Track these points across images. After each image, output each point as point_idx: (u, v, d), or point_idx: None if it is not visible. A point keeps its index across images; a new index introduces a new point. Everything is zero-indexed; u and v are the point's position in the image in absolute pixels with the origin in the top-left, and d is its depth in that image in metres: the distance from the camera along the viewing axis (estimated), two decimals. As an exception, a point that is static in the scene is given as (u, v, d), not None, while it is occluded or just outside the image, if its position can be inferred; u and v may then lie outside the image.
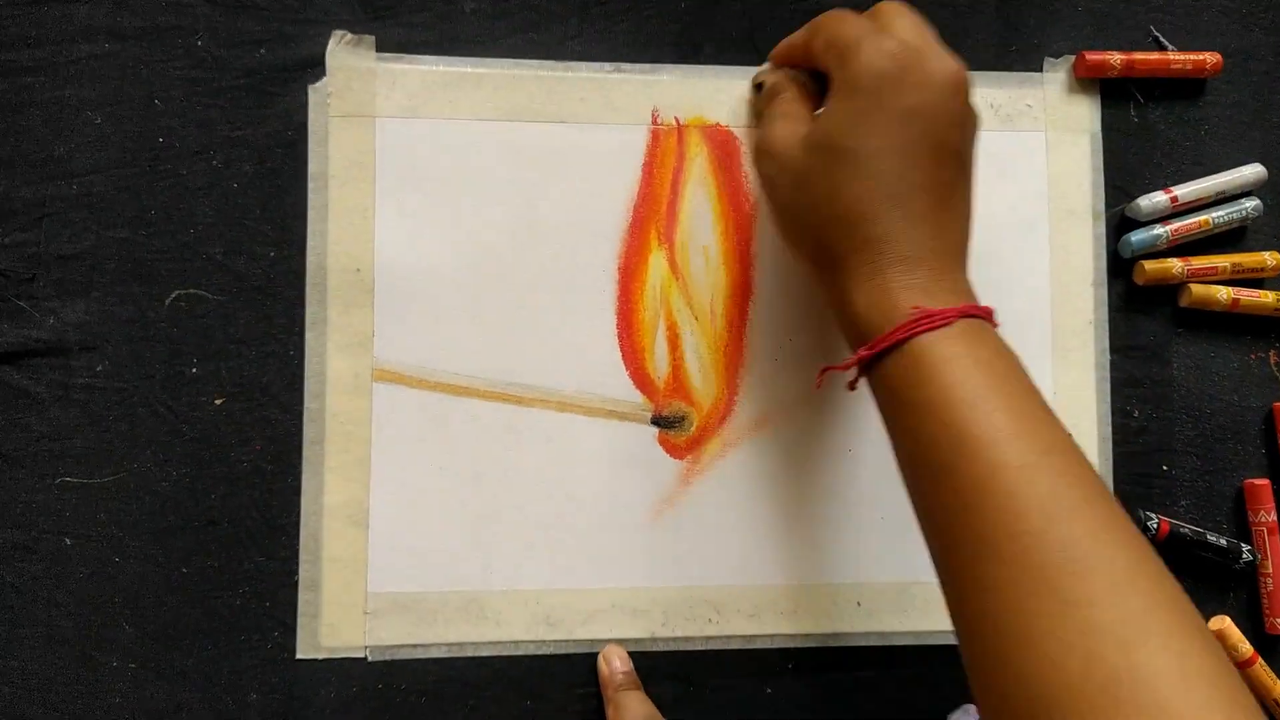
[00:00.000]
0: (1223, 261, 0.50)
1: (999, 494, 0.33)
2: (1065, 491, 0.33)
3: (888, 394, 0.38)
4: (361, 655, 0.46)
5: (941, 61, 0.39)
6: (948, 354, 0.36)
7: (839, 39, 0.40)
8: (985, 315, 0.38)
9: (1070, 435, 0.36)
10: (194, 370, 0.46)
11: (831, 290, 0.40)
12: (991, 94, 0.50)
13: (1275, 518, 0.49)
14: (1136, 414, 0.50)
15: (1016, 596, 0.32)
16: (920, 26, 0.40)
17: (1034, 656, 0.31)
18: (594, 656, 0.47)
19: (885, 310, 0.37)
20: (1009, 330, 0.49)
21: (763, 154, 0.42)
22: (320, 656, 0.46)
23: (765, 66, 0.47)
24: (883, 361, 0.37)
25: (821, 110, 0.41)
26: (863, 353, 0.38)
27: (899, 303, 0.37)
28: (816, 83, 0.44)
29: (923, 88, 0.38)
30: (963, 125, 0.39)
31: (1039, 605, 0.31)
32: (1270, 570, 0.49)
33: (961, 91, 0.39)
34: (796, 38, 0.44)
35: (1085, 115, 0.51)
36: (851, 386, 0.39)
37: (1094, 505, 0.33)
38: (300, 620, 0.46)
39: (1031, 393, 0.36)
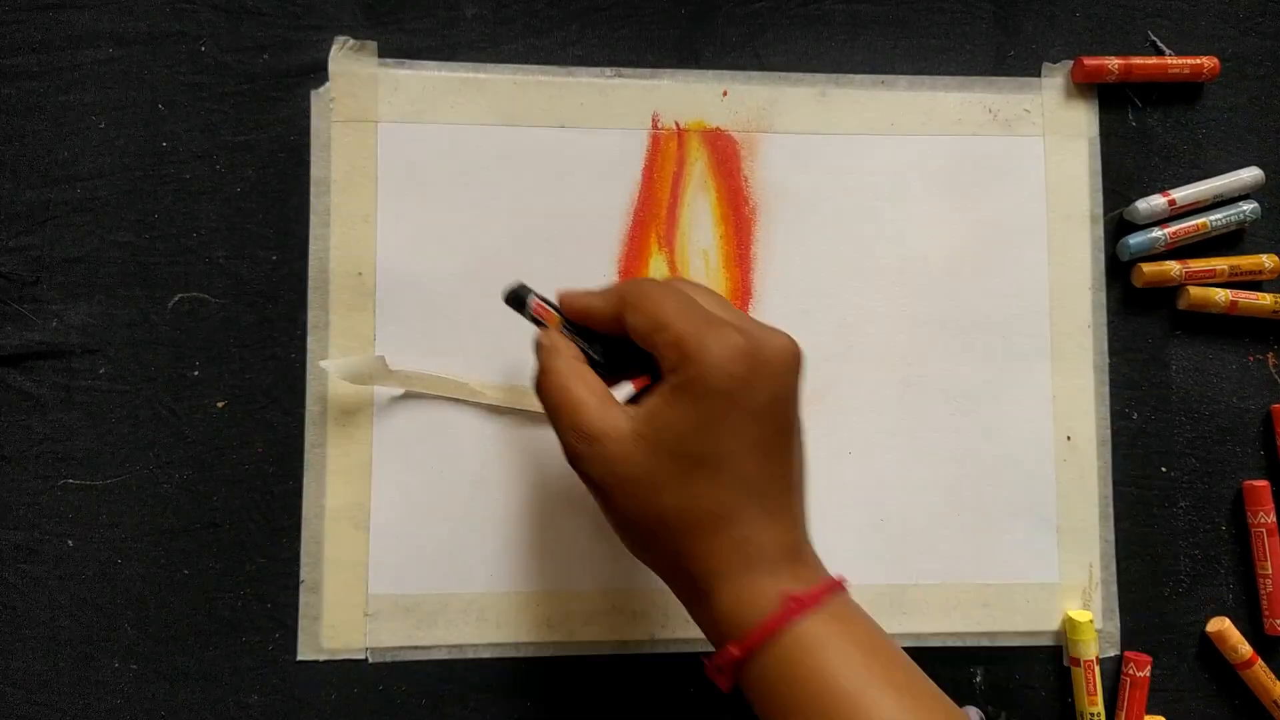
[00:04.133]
0: (1221, 264, 0.50)
1: None
2: None
3: (767, 692, 0.35)
4: (362, 657, 0.46)
5: (774, 342, 0.36)
6: (824, 639, 0.34)
7: (676, 331, 0.35)
8: (836, 588, 0.36)
9: (930, 684, 0.35)
10: (196, 373, 0.46)
11: (690, 592, 0.37)
12: (990, 99, 0.50)
13: (1274, 519, 0.49)
14: (1135, 416, 0.50)
15: None
16: (733, 307, 0.38)
17: None
18: (595, 658, 0.47)
19: (754, 605, 0.35)
20: (1008, 334, 0.49)
21: (591, 449, 0.36)
22: (321, 658, 0.46)
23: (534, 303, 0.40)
24: (758, 659, 0.35)
25: (651, 402, 0.36)
26: (735, 652, 0.35)
27: (768, 594, 0.35)
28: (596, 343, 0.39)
29: (772, 380, 0.35)
30: (798, 396, 0.37)
31: None
32: (1270, 571, 0.49)
33: (797, 366, 0.37)
34: (598, 303, 0.38)
35: (1083, 120, 0.51)
36: (726, 689, 0.36)
37: None
38: (301, 622, 0.46)
39: (901, 659, 0.36)
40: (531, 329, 0.39)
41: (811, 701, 0.34)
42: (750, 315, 0.39)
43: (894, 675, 0.34)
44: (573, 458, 0.37)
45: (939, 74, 0.50)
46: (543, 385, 0.38)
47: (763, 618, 0.34)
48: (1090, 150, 0.51)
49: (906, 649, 0.48)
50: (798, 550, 0.36)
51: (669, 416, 0.35)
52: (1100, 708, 0.48)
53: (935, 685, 0.36)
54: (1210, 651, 0.50)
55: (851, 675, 0.34)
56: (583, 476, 0.37)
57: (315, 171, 0.47)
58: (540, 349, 0.39)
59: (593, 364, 0.38)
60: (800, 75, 0.50)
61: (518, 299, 0.40)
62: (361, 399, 0.47)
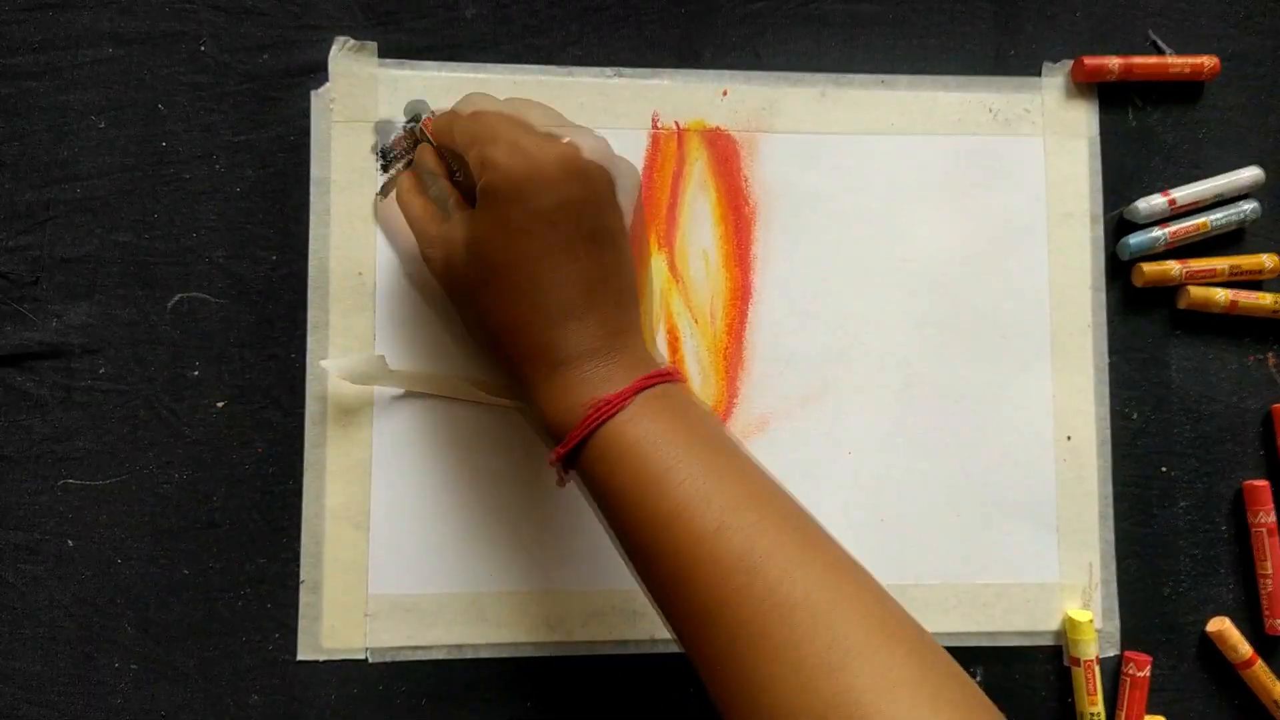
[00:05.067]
0: (1221, 264, 0.50)
1: (702, 562, 0.34)
2: (761, 540, 0.34)
3: (589, 486, 0.38)
4: (362, 657, 0.46)
5: (545, 152, 0.38)
6: (630, 437, 0.36)
7: (476, 136, 0.39)
8: (666, 377, 0.39)
9: (762, 475, 0.37)
10: (196, 373, 0.46)
11: (519, 390, 0.41)
12: (990, 99, 0.50)
13: (1274, 519, 0.49)
14: (1135, 416, 0.50)
15: (739, 656, 0.33)
16: (552, 115, 0.41)
17: (764, 705, 0.32)
18: (595, 658, 0.47)
19: (564, 410, 0.38)
20: (1008, 334, 0.49)
21: (432, 252, 0.42)
22: (321, 658, 0.46)
23: (401, 130, 0.47)
24: (578, 460, 0.38)
25: (471, 212, 0.40)
26: (557, 452, 0.38)
27: (575, 400, 0.38)
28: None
29: (536, 191, 0.37)
30: (588, 202, 0.39)
31: (756, 656, 0.33)
32: (1270, 571, 0.49)
33: (573, 173, 0.38)
34: (443, 122, 0.43)
35: (1083, 119, 0.51)
36: (560, 483, 0.40)
37: (789, 545, 0.34)
38: (301, 622, 0.46)
39: (718, 448, 0.37)
40: None
41: (619, 495, 0.36)
42: (581, 129, 0.40)
43: (699, 465, 0.36)
44: (423, 260, 0.43)
45: (939, 74, 0.50)
46: (399, 199, 0.44)
47: (574, 422, 0.37)
48: (1090, 150, 0.51)
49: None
50: (609, 349, 0.39)
51: (476, 224, 0.39)
52: (1100, 708, 0.48)
53: (749, 463, 0.37)
54: (1210, 651, 0.50)
55: (651, 470, 0.36)
56: (435, 279, 0.43)
57: (315, 171, 0.47)
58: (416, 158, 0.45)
59: (456, 181, 0.43)
60: (800, 75, 0.50)
61: (415, 115, 0.47)
62: (361, 399, 0.47)
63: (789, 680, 0.32)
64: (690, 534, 0.34)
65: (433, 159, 0.44)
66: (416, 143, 0.46)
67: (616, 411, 0.37)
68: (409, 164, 0.47)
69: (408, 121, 0.47)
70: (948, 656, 0.34)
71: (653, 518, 0.35)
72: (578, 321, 0.38)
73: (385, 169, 0.47)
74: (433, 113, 0.46)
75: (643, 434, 0.36)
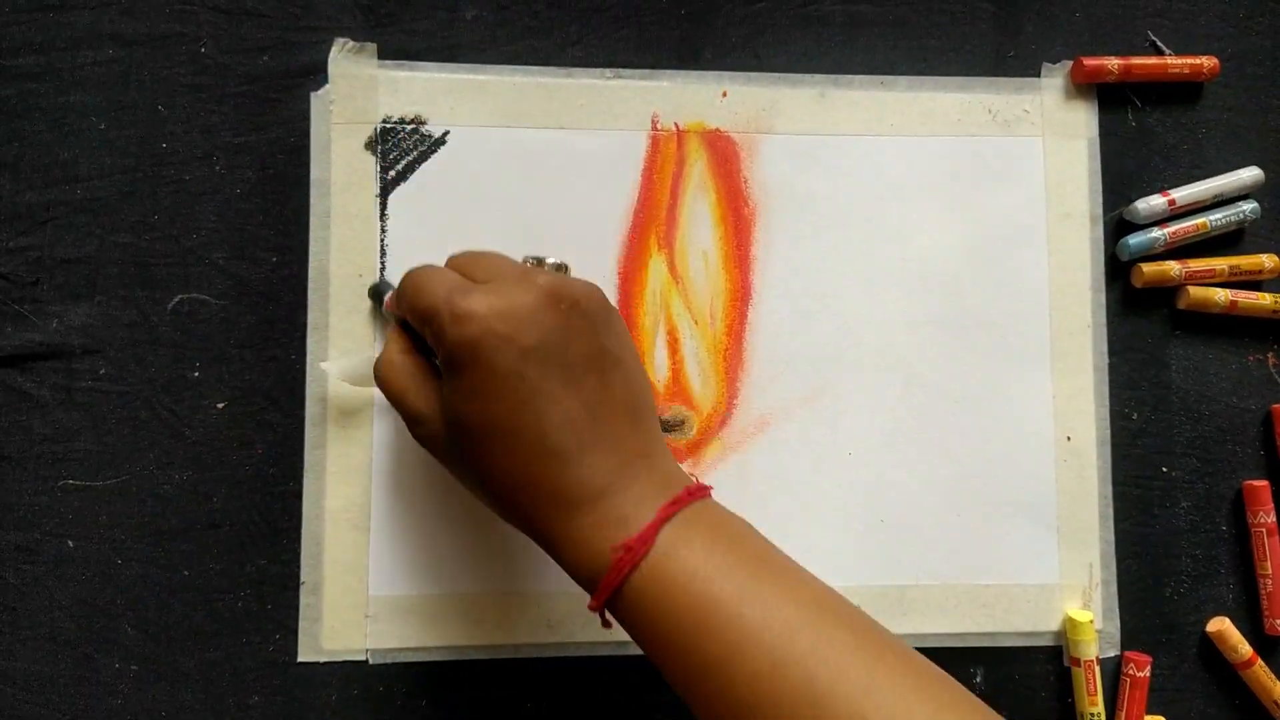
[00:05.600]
0: (1220, 264, 0.50)
1: (763, 704, 0.32)
2: (821, 669, 0.32)
3: (632, 634, 0.36)
4: (362, 658, 0.46)
5: (523, 289, 0.36)
6: (664, 579, 0.34)
7: (421, 314, 0.37)
8: (687, 500, 0.36)
9: (810, 584, 0.35)
10: (196, 374, 0.46)
11: (539, 542, 0.37)
12: (989, 99, 0.50)
13: (1274, 519, 0.49)
14: (1135, 416, 0.50)
15: None
16: (499, 264, 0.39)
17: None
18: (595, 659, 0.47)
19: (590, 558, 0.35)
20: (1007, 334, 0.49)
21: (419, 430, 0.39)
22: (321, 659, 0.46)
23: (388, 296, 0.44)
24: (615, 606, 0.35)
25: (443, 384, 0.38)
26: (592, 605, 0.35)
27: (598, 546, 0.35)
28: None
29: (518, 331, 0.35)
30: (580, 329, 0.36)
31: None
32: (1270, 571, 0.49)
33: (558, 301, 0.36)
34: (395, 302, 0.41)
35: (1083, 120, 0.51)
36: (606, 626, 0.37)
37: (854, 665, 0.32)
38: (301, 623, 0.46)
39: (759, 569, 0.35)
40: None
41: (663, 642, 0.34)
42: (515, 273, 0.38)
43: (743, 594, 0.34)
44: (413, 438, 0.40)
45: (939, 74, 0.50)
46: (377, 372, 0.40)
47: (600, 575, 0.35)
48: (1090, 150, 0.51)
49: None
50: (621, 481, 0.36)
51: (448, 396, 0.37)
52: (1100, 708, 0.48)
53: (792, 572, 0.36)
54: (1210, 651, 0.50)
55: (695, 616, 0.33)
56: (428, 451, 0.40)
57: (315, 173, 0.47)
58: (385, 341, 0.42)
59: (426, 351, 0.41)
60: (800, 76, 0.50)
61: (377, 294, 0.46)
62: (361, 400, 0.47)
63: None
64: (745, 675, 0.32)
65: (399, 337, 0.41)
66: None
67: (646, 551, 0.34)
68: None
69: (373, 303, 0.46)
70: None
71: (703, 663, 0.33)
72: (587, 457, 0.35)
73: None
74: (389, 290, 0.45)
75: (678, 572, 0.34)
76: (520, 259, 0.41)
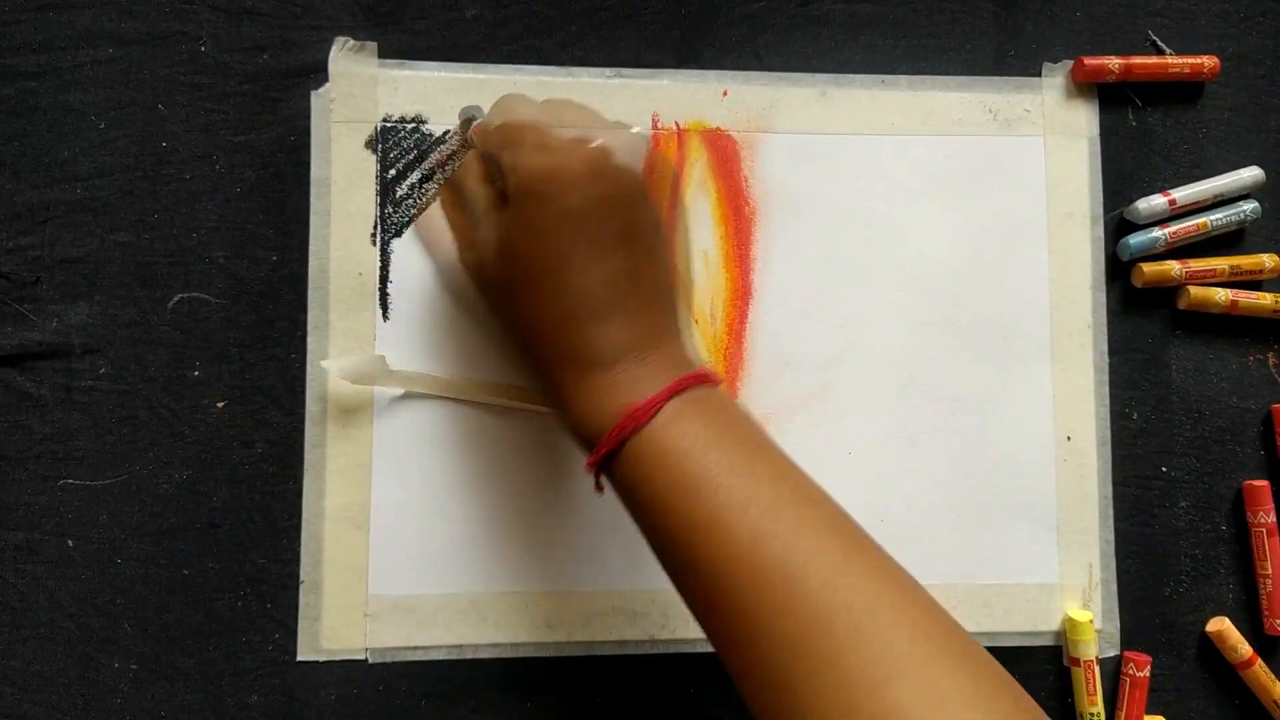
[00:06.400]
0: (1221, 264, 0.50)
1: (739, 572, 0.33)
2: (799, 548, 0.33)
3: (624, 495, 0.37)
4: (362, 657, 0.46)
5: (574, 154, 0.38)
6: (663, 445, 0.35)
7: (506, 140, 0.39)
8: (698, 381, 0.37)
9: (801, 478, 0.36)
10: (196, 373, 0.46)
11: (549, 396, 0.40)
12: (990, 99, 0.50)
13: (1274, 519, 0.49)
14: (1135, 416, 0.50)
15: (778, 670, 0.32)
16: (586, 116, 0.41)
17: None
18: (594, 658, 0.47)
19: (596, 416, 0.37)
20: (1008, 334, 0.49)
21: (468, 255, 0.42)
22: (321, 659, 0.46)
23: (450, 138, 0.47)
24: (611, 466, 0.37)
25: (503, 215, 0.40)
26: (589, 461, 0.37)
27: (606, 406, 0.37)
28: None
29: (561, 192, 0.37)
30: (617, 205, 0.38)
31: (796, 673, 0.31)
32: (1269, 571, 0.49)
33: (602, 175, 0.38)
34: (481, 126, 0.43)
35: (1083, 120, 0.51)
36: (598, 489, 0.38)
37: (829, 553, 0.33)
38: (301, 622, 0.46)
39: (754, 451, 0.36)
40: None
41: (653, 504, 0.35)
42: (617, 128, 0.40)
43: (734, 470, 0.35)
44: (461, 263, 0.42)
45: (939, 74, 0.50)
46: (449, 185, 0.43)
47: (604, 430, 0.36)
48: (1090, 150, 0.51)
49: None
50: (639, 352, 0.38)
51: (508, 228, 0.39)
52: (1100, 708, 0.48)
53: (786, 466, 0.36)
54: (1210, 651, 0.50)
55: (686, 479, 0.35)
56: (471, 281, 0.42)
57: (315, 172, 0.47)
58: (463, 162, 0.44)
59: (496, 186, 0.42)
60: (800, 75, 0.50)
61: (469, 119, 0.47)
62: (361, 399, 0.47)
63: (832, 696, 0.30)
64: (726, 543, 0.33)
65: (476, 163, 0.43)
66: (455, 152, 0.47)
67: (649, 419, 0.36)
68: (445, 177, 0.47)
69: (460, 126, 0.47)
70: (998, 666, 0.32)
71: (687, 527, 0.34)
72: (607, 323, 0.38)
73: (424, 181, 0.47)
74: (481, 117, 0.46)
75: (676, 441, 0.35)
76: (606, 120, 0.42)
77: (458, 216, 0.43)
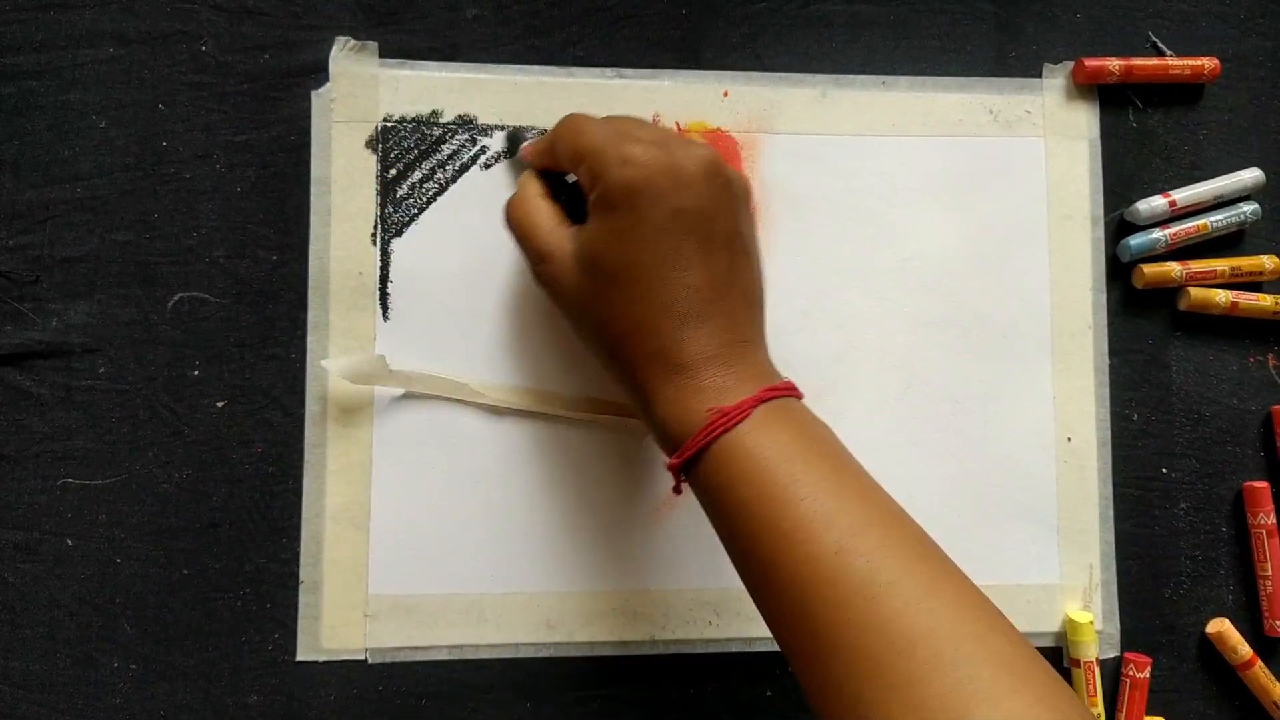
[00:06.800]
0: (1221, 265, 0.50)
1: (820, 585, 0.33)
2: (884, 567, 0.32)
3: (705, 497, 0.37)
4: (362, 658, 0.46)
5: (688, 153, 0.38)
6: (749, 450, 0.35)
7: (582, 152, 0.39)
8: (784, 391, 0.37)
9: (886, 498, 0.36)
10: (196, 373, 0.46)
11: (632, 398, 0.40)
12: (990, 100, 0.50)
13: (1274, 520, 0.49)
14: (1135, 417, 0.50)
15: (854, 688, 0.31)
16: (657, 127, 0.41)
17: None
18: (594, 659, 0.47)
19: (682, 417, 0.37)
20: (1008, 335, 0.49)
21: (542, 268, 0.41)
22: (321, 659, 0.46)
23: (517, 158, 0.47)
24: (694, 468, 0.37)
25: (584, 224, 0.39)
26: (672, 462, 0.37)
27: (694, 408, 0.37)
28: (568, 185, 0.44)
29: (675, 189, 0.37)
30: (727, 207, 0.38)
31: (873, 693, 0.31)
32: (1269, 573, 0.49)
33: (716, 175, 0.38)
34: (543, 144, 0.43)
35: (1084, 121, 0.51)
36: (676, 491, 0.39)
37: (914, 575, 0.33)
38: (301, 622, 0.46)
39: (840, 466, 0.36)
40: None
41: (736, 509, 0.35)
42: (680, 136, 0.40)
43: (821, 483, 0.34)
44: (534, 276, 0.42)
45: (940, 75, 0.50)
46: (508, 212, 0.43)
47: (690, 432, 0.36)
48: (1091, 151, 0.51)
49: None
50: (728, 358, 0.37)
51: (591, 235, 0.38)
52: (1100, 708, 0.48)
53: (871, 485, 0.36)
54: (1210, 652, 0.50)
55: (771, 488, 0.34)
56: (545, 293, 0.42)
57: (316, 171, 0.47)
58: (518, 183, 0.44)
59: (561, 201, 0.42)
60: (801, 76, 0.50)
61: (514, 141, 0.47)
62: (362, 399, 0.47)
63: (909, 719, 0.30)
64: (809, 554, 0.33)
65: (534, 181, 0.43)
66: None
67: (736, 423, 0.36)
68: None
69: (505, 149, 0.48)
70: (1080, 703, 0.32)
71: (770, 534, 0.34)
72: (702, 326, 0.37)
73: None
74: (530, 138, 0.47)
75: (763, 447, 0.35)
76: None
77: (525, 234, 0.42)
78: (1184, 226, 0.50)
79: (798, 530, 0.33)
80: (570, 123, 0.41)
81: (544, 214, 0.41)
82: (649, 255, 0.37)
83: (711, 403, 0.36)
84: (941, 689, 0.30)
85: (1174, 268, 0.50)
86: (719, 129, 0.49)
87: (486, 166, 0.48)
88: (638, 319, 0.38)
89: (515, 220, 0.42)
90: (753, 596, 0.36)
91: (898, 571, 0.32)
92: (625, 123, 0.40)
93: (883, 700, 0.30)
